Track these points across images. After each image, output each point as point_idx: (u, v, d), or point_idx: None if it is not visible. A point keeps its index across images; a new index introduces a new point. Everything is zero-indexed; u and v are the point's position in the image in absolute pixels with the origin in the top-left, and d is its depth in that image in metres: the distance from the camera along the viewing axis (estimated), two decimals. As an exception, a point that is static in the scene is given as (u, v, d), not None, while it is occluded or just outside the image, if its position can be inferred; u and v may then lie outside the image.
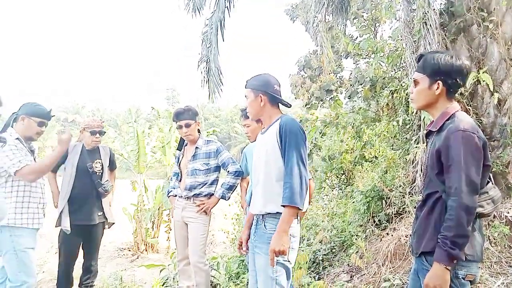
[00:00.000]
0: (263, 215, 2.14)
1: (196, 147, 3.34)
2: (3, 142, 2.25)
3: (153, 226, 10.39)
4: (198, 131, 3.46)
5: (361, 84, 7.52)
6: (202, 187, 3.28)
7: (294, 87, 9.61)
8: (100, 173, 3.55)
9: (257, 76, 2.31)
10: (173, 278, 4.63)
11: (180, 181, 3.39)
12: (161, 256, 9.63)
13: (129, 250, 9.94)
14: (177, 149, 3.60)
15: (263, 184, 2.16)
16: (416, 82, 1.86)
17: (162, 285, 4.35)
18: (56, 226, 3.39)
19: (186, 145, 3.47)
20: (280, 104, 2.33)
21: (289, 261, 2.07)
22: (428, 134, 1.90)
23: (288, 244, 2.03)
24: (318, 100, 8.99)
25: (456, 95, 1.93)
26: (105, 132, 3.69)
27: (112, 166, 3.83)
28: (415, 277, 1.89)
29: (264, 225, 2.12)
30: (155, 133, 11.34)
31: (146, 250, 9.88)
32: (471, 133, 1.67)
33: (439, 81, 1.78)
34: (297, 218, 2.13)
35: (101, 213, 3.55)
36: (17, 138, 2.77)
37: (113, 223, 3.68)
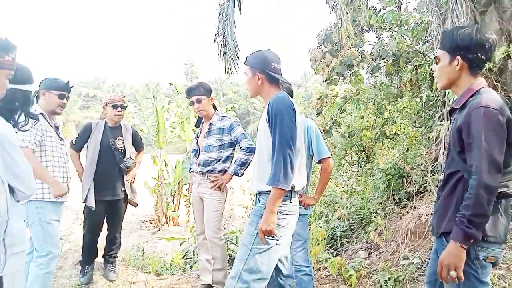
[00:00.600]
0: (257, 193, 2.21)
1: (210, 123, 3.33)
2: (35, 119, 2.27)
3: (173, 200, 10.64)
4: (214, 107, 3.43)
5: (383, 59, 7.29)
6: (216, 163, 3.29)
7: (314, 61, 9.38)
8: (122, 150, 3.60)
9: (256, 53, 2.24)
10: (193, 251, 4.75)
11: (198, 157, 3.41)
12: (182, 229, 9.89)
13: (151, 223, 10.24)
14: (195, 126, 3.60)
15: (257, 163, 2.23)
16: (437, 59, 1.83)
17: (182, 258, 4.47)
18: (82, 202, 3.49)
19: (203, 122, 3.47)
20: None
21: (275, 238, 2.05)
22: (452, 111, 1.84)
23: (274, 224, 2.02)
24: (339, 75, 8.78)
25: (484, 70, 1.84)
26: (126, 106, 3.71)
27: (137, 146, 3.86)
28: (435, 256, 1.87)
29: (258, 200, 2.19)
30: (174, 109, 11.41)
31: (167, 223, 10.16)
32: (494, 109, 1.59)
33: (459, 56, 1.73)
34: (290, 197, 2.10)
35: (124, 188, 3.63)
36: (40, 113, 2.79)
37: (137, 204, 3.76)
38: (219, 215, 3.30)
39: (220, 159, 3.29)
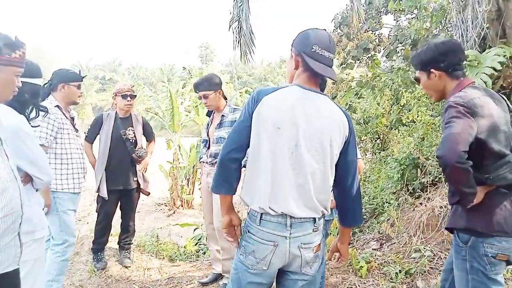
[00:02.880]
0: None
1: (222, 115, 3.29)
2: (45, 111, 2.32)
3: (188, 183, 10.78)
4: (225, 98, 3.39)
5: (401, 43, 7.08)
6: None
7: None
8: (133, 140, 3.65)
9: (302, 31, 1.74)
10: (206, 238, 4.83)
11: (208, 148, 3.40)
12: (196, 211, 10.05)
13: (166, 205, 10.43)
14: (206, 115, 3.59)
15: None
16: (418, 80, 2.00)
17: (195, 245, 4.55)
18: (96, 192, 3.57)
19: (214, 112, 3.44)
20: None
21: (240, 262, 1.69)
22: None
23: (223, 227, 1.77)
24: (355, 59, 8.59)
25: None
26: (135, 95, 3.73)
27: (148, 136, 3.90)
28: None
29: None
30: (189, 93, 11.43)
31: (181, 206, 10.33)
32: (456, 105, 1.70)
33: (432, 69, 1.87)
34: (260, 218, 1.63)
35: (136, 178, 3.69)
36: (56, 106, 2.84)
37: (149, 193, 3.82)
38: None
39: None
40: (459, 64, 1.87)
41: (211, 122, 3.43)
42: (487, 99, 1.76)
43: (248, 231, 1.67)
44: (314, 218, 1.65)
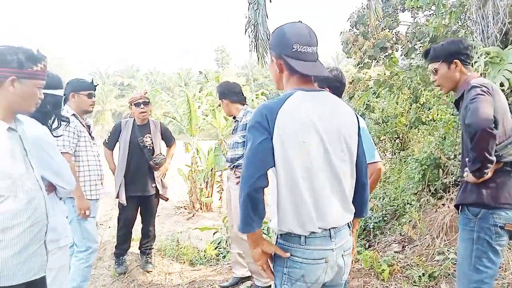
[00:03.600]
0: None
1: (236, 120, 3.36)
2: (66, 121, 2.37)
3: (206, 186, 10.85)
4: (242, 103, 3.39)
5: (419, 40, 6.96)
6: (241, 159, 3.27)
7: (346, 45, 9.12)
8: (151, 147, 3.70)
9: (276, 29, 1.57)
10: (225, 241, 4.84)
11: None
12: (215, 214, 10.10)
13: (185, 209, 10.52)
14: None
15: None
16: (435, 70, 2.15)
17: (215, 249, 4.58)
18: (115, 198, 3.63)
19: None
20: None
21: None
22: (456, 102, 2.19)
23: (257, 260, 1.55)
24: (372, 58, 8.49)
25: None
26: (149, 102, 3.74)
27: (168, 141, 3.95)
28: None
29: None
30: (206, 96, 11.52)
31: (201, 209, 10.40)
32: (480, 86, 1.94)
33: (456, 60, 2.08)
34: (299, 237, 1.48)
35: (155, 184, 3.74)
36: (73, 114, 2.90)
37: (167, 199, 3.87)
38: None
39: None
40: (471, 59, 2.16)
41: (236, 128, 3.48)
42: (497, 87, 2.08)
43: (291, 255, 1.49)
44: (349, 222, 1.59)
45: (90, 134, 3.04)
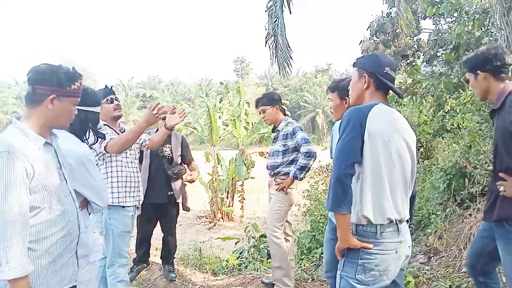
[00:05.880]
0: None
1: (277, 130, 3.50)
2: (102, 138, 2.44)
3: (227, 195, 10.91)
4: (284, 113, 3.55)
5: (441, 47, 6.87)
6: (281, 166, 3.42)
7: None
8: (169, 157, 3.77)
9: (369, 55, 2.02)
10: (247, 251, 4.86)
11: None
12: (236, 224, 10.12)
13: (207, 218, 10.59)
14: (272, 131, 3.74)
15: None
16: (467, 81, 2.32)
17: (237, 258, 4.59)
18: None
19: (277, 129, 3.60)
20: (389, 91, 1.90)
21: (362, 282, 1.72)
22: (492, 112, 2.21)
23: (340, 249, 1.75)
24: (393, 66, 8.42)
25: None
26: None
27: (183, 157, 3.92)
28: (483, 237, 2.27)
29: None
30: (226, 106, 11.64)
31: (222, 218, 10.45)
32: None
33: (478, 71, 2.17)
34: (376, 232, 1.71)
35: (172, 192, 3.78)
36: (105, 125, 2.87)
37: (189, 209, 3.93)
38: (278, 214, 3.42)
39: (284, 163, 3.43)
40: (504, 68, 2.13)
41: (277, 137, 3.60)
42: None
43: (365, 248, 1.69)
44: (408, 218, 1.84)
45: None
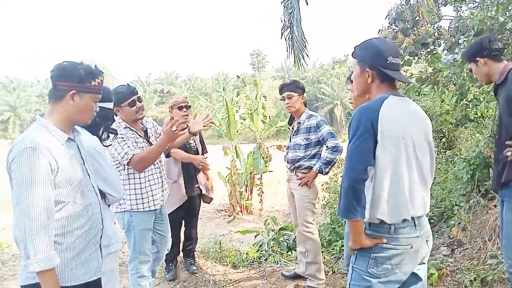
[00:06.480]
0: None
1: (299, 122, 3.41)
2: (114, 133, 2.46)
3: (246, 189, 10.96)
4: (305, 105, 3.48)
5: (463, 34, 6.66)
6: (302, 160, 3.36)
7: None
8: (195, 149, 3.81)
9: (366, 43, 1.78)
10: (267, 244, 4.87)
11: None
12: (255, 217, 10.17)
13: (226, 212, 10.68)
14: (288, 123, 3.70)
15: None
16: (470, 70, 2.64)
17: (257, 251, 4.61)
18: None
19: (294, 120, 3.55)
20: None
21: (373, 275, 1.69)
22: (496, 89, 2.47)
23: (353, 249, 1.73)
24: (412, 55, 8.21)
25: None
26: (190, 106, 3.84)
27: (203, 146, 4.02)
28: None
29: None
30: (243, 100, 11.64)
31: (241, 212, 10.52)
32: None
33: (477, 58, 2.46)
34: (389, 227, 1.67)
35: (198, 185, 3.84)
36: (126, 127, 2.84)
37: (212, 199, 3.96)
38: (308, 209, 3.40)
39: (306, 157, 3.36)
40: (500, 50, 2.43)
41: (292, 129, 3.53)
42: None
43: (378, 243, 1.66)
44: (428, 212, 1.79)
45: (148, 140, 2.96)
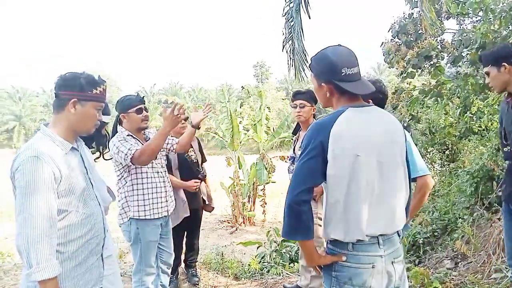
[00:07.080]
0: None
1: (305, 134, 3.39)
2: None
3: (249, 200, 10.92)
4: (314, 117, 3.41)
5: (466, 48, 6.69)
6: None
7: (388, 55, 8.93)
8: (196, 160, 3.81)
9: (320, 54, 1.66)
10: (269, 255, 4.84)
11: (293, 163, 3.49)
12: (258, 228, 10.11)
13: (228, 223, 10.62)
14: (292, 133, 3.66)
15: None
16: (487, 74, 2.42)
17: (259, 263, 4.58)
18: None
19: (300, 130, 3.50)
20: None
21: None
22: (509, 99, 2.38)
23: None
24: (416, 67, 8.25)
25: None
26: (187, 117, 3.76)
27: (203, 157, 4.01)
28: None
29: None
30: (247, 110, 11.70)
31: (243, 223, 10.47)
32: None
33: (504, 63, 2.31)
34: (346, 244, 1.57)
35: (202, 195, 3.84)
36: (128, 135, 2.83)
37: (213, 208, 3.95)
38: (315, 224, 3.33)
39: None
40: None
41: (297, 139, 3.51)
42: None
43: (337, 261, 1.57)
44: (398, 231, 1.64)
45: None
